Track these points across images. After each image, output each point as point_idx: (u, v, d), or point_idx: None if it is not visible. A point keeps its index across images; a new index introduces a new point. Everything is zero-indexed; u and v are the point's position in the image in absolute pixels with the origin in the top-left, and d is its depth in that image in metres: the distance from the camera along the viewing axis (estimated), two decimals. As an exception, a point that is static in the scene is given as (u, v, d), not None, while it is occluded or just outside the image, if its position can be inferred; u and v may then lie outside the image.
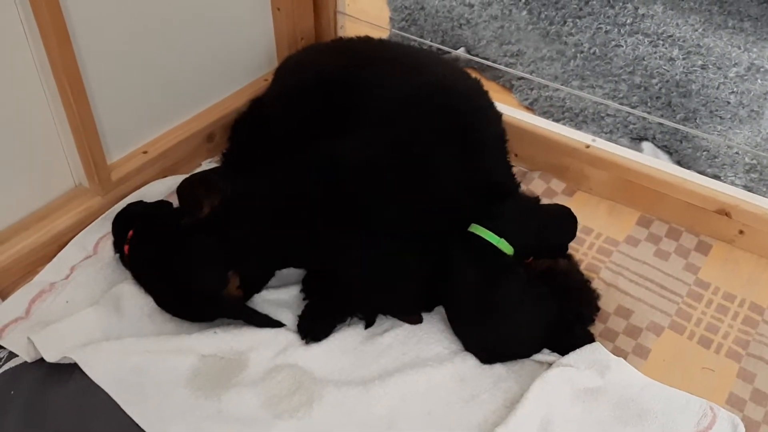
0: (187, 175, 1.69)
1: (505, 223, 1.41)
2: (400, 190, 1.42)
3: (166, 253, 1.42)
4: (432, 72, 1.62)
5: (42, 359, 1.31)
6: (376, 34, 2.06)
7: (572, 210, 1.50)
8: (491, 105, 1.65)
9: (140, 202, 1.60)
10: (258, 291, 1.47)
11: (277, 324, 1.41)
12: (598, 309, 1.46)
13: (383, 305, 1.44)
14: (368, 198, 1.41)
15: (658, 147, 1.94)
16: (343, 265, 1.42)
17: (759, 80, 2.17)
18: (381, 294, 1.42)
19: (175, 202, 1.59)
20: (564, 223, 1.50)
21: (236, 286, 1.40)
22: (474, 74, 2.19)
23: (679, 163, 1.87)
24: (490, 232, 1.40)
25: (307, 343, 1.39)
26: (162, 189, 1.68)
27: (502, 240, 1.40)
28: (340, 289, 1.42)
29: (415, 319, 1.44)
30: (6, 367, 1.33)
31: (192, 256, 1.40)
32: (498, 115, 1.64)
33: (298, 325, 1.42)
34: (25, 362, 1.33)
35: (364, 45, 1.77)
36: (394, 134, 1.46)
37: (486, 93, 1.66)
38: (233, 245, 1.40)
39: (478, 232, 1.41)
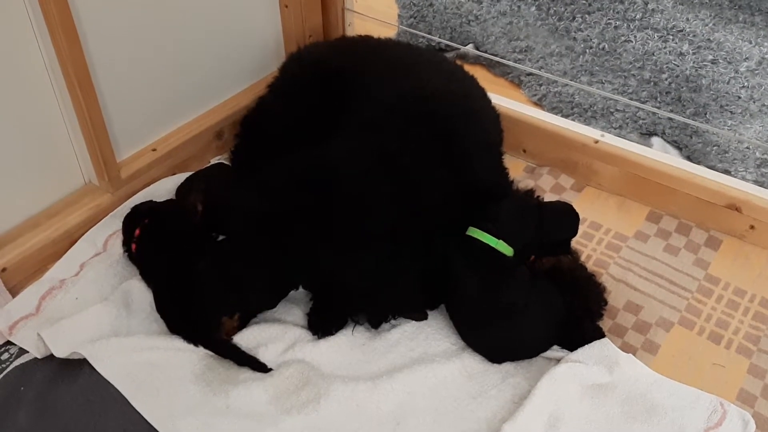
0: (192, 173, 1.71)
1: (502, 224, 1.39)
2: (387, 199, 1.40)
3: (170, 269, 1.41)
4: (422, 76, 1.59)
5: (52, 355, 1.32)
6: (384, 31, 2.06)
7: (581, 206, 1.49)
8: (483, 108, 1.63)
9: (150, 200, 1.60)
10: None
11: (263, 368, 1.33)
12: (605, 302, 1.45)
13: (386, 310, 1.43)
14: (359, 208, 1.40)
15: (668, 142, 1.92)
16: (341, 277, 1.41)
17: (770, 75, 2.16)
18: (382, 300, 1.41)
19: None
20: (563, 219, 1.48)
21: (233, 326, 1.38)
22: (482, 71, 2.20)
23: (689, 158, 1.86)
24: (488, 235, 1.38)
25: (319, 338, 1.39)
26: (171, 186, 1.68)
27: (501, 241, 1.38)
28: (342, 300, 1.42)
29: (420, 317, 1.43)
30: (16, 363, 1.34)
31: (192, 291, 1.37)
32: (493, 117, 1.62)
33: (309, 321, 1.42)
34: (35, 358, 1.34)
35: (363, 44, 1.76)
36: (381, 142, 1.45)
37: (480, 95, 1.64)
38: (241, 279, 1.39)
39: (475, 236, 1.39)
